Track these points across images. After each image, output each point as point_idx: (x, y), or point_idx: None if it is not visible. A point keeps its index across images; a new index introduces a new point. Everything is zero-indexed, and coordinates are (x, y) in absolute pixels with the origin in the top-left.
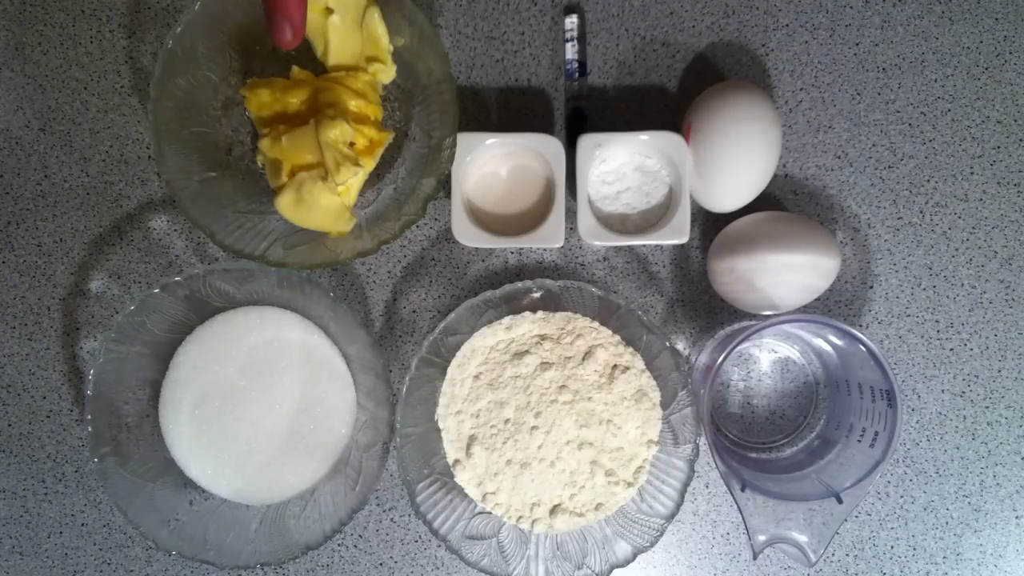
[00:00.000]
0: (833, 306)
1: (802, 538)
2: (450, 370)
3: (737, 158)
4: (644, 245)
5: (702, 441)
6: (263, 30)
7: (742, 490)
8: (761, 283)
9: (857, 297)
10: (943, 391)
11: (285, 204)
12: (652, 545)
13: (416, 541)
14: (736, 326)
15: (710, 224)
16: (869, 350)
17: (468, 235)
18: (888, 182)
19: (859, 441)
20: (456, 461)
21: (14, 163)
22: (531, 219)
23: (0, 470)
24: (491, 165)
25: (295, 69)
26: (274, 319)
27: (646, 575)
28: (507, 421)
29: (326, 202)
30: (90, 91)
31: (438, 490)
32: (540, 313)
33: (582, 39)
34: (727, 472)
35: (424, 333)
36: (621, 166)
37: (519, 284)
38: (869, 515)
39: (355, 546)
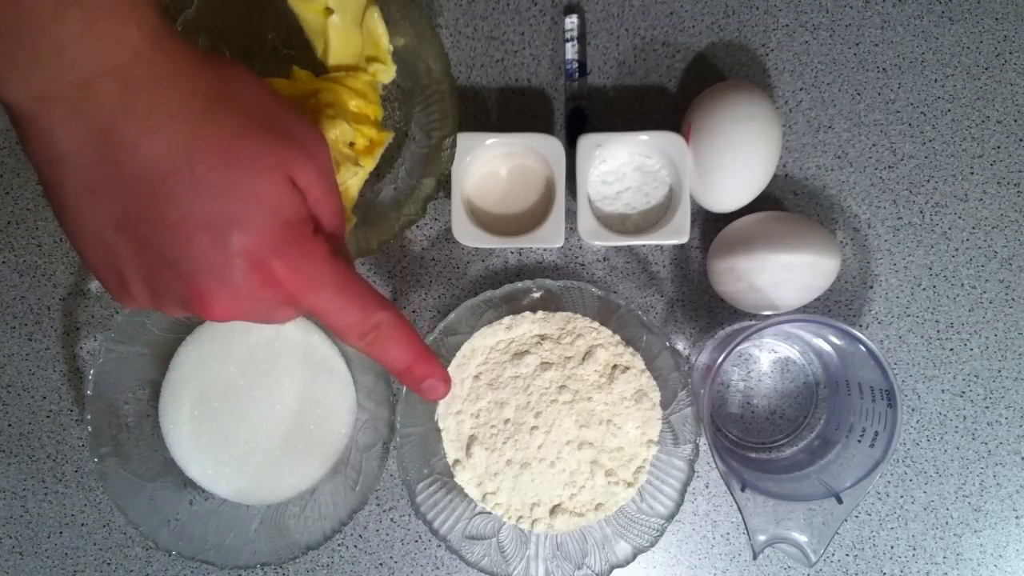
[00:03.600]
0: (833, 306)
1: (802, 538)
2: (450, 370)
3: (737, 158)
4: (644, 245)
5: (702, 441)
6: (263, 30)
7: (742, 490)
8: (761, 283)
9: (857, 297)
10: (943, 391)
11: None
12: (652, 545)
13: (416, 541)
14: (736, 326)
15: (710, 224)
16: (869, 350)
17: (468, 235)
18: (888, 182)
19: (859, 441)
20: (456, 461)
21: (14, 163)
22: (531, 219)
23: (0, 470)
24: (491, 165)
25: (295, 69)
26: None
27: (646, 575)
28: (507, 421)
29: None
30: None
31: (438, 490)
32: (540, 313)
33: (582, 39)
34: (727, 472)
35: (424, 333)
36: (621, 166)
37: (519, 284)
38: (869, 515)
39: (355, 546)
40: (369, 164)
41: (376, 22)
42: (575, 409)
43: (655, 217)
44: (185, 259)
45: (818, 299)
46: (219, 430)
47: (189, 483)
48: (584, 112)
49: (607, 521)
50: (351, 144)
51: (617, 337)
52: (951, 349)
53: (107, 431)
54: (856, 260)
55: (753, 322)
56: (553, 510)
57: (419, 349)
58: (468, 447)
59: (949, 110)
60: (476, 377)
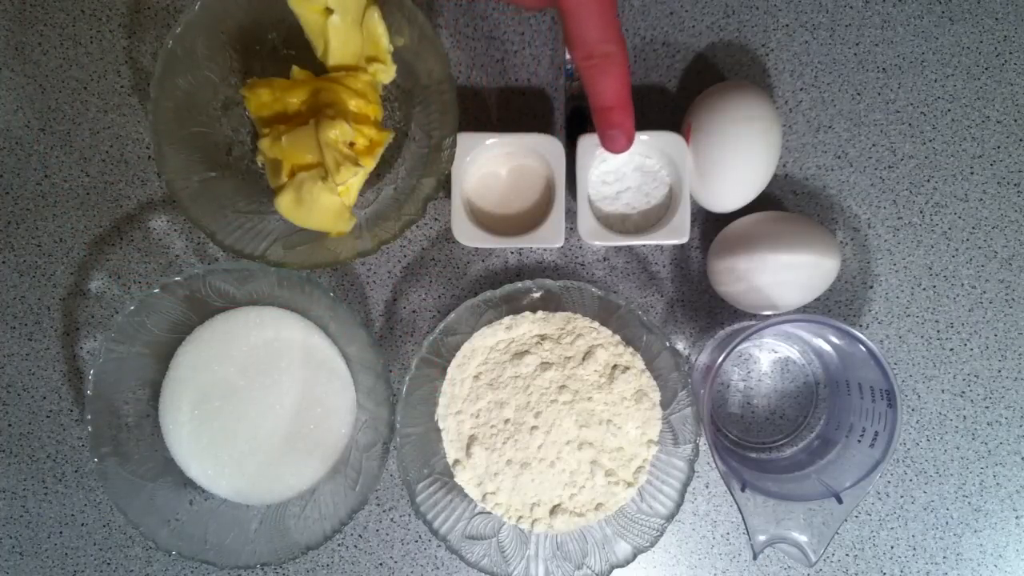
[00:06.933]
0: (833, 306)
1: (802, 538)
2: (450, 370)
3: (737, 158)
4: (644, 245)
5: (702, 441)
6: (263, 30)
7: (742, 490)
8: (761, 283)
9: (857, 297)
10: (943, 391)
11: (285, 204)
12: (652, 545)
13: (416, 541)
14: (736, 326)
15: (710, 224)
16: (869, 350)
17: (468, 235)
18: (888, 182)
19: (859, 441)
20: (456, 461)
21: (14, 163)
22: (531, 219)
23: (0, 470)
24: (491, 165)
25: (295, 69)
26: (274, 319)
27: (646, 575)
28: (507, 421)
29: (326, 202)
30: (90, 91)
31: (438, 490)
32: (540, 313)
33: None
34: (727, 472)
35: (424, 333)
36: (621, 166)
37: (519, 284)
38: (869, 515)
39: (355, 546)
40: (369, 164)
41: (376, 22)
42: (575, 409)
43: (655, 217)
44: None
45: (818, 299)
46: (219, 430)
47: (189, 483)
48: (584, 112)
49: (607, 521)
50: (351, 144)
51: (617, 337)
52: (951, 349)
53: (107, 431)
54: (856, 260)
55: (753, 322)
56: (553, 510)
57: (629, 97)
58: (468, 447)
59: (949, 110)
60: (476, 377)
